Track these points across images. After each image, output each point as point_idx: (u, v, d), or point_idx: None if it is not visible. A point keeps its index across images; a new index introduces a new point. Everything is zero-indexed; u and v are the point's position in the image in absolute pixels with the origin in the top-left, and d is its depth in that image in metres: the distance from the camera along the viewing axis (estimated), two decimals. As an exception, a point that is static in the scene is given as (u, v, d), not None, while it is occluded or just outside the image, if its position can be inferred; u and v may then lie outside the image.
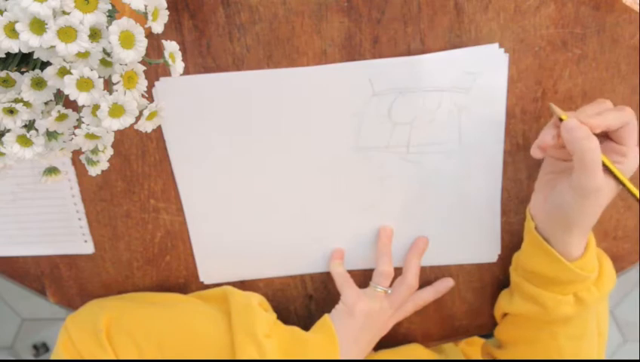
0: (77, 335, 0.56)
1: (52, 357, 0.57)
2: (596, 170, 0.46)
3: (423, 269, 0.60)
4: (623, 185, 0.48)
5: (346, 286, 0.57)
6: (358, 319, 0.56)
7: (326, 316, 0.57)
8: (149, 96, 0.53)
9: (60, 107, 0.38)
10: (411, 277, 0.58)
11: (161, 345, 0.54)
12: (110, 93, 0.37)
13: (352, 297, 0.56)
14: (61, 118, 0.38)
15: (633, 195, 0.48)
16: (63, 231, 0.60)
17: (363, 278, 0.61)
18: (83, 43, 0.34)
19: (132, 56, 0.36)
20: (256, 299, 0.57)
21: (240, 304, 0.56)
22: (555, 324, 0.55)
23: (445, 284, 0.60)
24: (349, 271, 0.60)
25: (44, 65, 0.37)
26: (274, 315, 0.58)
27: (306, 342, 0.54)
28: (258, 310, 0.55)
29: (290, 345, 0.54)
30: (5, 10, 0.34)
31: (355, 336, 0.55)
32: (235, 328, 0.54)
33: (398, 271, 0.59)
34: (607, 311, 0.58)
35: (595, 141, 0.45)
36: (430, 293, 0.60)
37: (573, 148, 0.46)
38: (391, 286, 0.58)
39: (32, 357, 1.34)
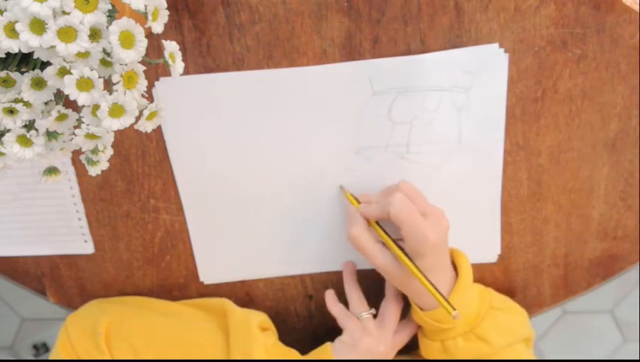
0: (76, 336, 0.56)
1: (51, 357, 0.57)
2: (367, 257, 0.53)
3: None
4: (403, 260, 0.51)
5: (349, 322, 0.57)
6: (361, 353, 0.55)
7: (328, 344, 0.57)
8: (149, 96, 0.53)
9: (60, 107, 0.38)
10: (394, 295, 0.58)
11: (159, 355, 0.55)
12: (110, 93, 0.37)
13: (358, 331, 0.56)
14: (61, 118, 0.38)
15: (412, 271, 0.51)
16: (63, 231, 0.60)
17: (363, 278, 0.61)
18: (83, 43, 0.34)
19: (132, 56, 0.36)
20: (256, 320, 0.57)
21: (238, 325, 0.56)
22: None
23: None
24: (349, 271, 0.60)
25: (44, 65, 0.37)
26: (274, 336, 0.58)
27: None
28: (256, 335, 0.55)
29: None
30: (5, 10, 0.34)
31: None
32: (232, 350, 0.54)
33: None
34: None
35: (355, 232, 0.52)
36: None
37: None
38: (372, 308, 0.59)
39: (32, 357, 1.34)
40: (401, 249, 0.52)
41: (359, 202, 0.55)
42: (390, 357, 0.57)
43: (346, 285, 0.60)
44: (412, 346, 0.60)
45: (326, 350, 0.56)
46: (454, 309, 0.49)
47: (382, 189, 0.56)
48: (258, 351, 0.54)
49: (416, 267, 0.50)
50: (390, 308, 0.57)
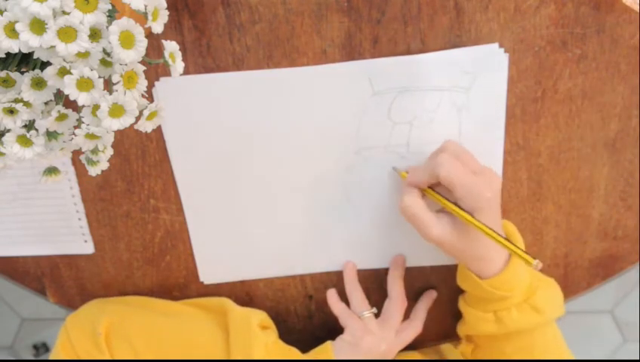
0: (76, 336, 0.56)
1: (51, 357, 0.57)
2: (421, 228, 0.50)
3: (423, 269, 0.60)
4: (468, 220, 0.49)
5: (351, 320, 0.57)
6: (362, 352, 0.55)
7: (328, 343, 0.56)
8: (149, 96, 0.53)
9: (60, 107, 0.38)
10: (397, 295, 0.58)
11: (159, 354, 0.55)
12: (110, 93, 0.37)
13: (360, 330, 0.56)
14: (61, 118, 0.38)
15: (471, 223, 0.49)
16: (63, 231, 0.60)
17: (363, 278, 0.61)
18: (83, 43, 0.34)
19: (132, 56, 0.36)
20: (256, 318, 0.57)
21: (238, 324, 0.56)
22: (496, 339, 0.55)
23: (429, 297, 0.61)
24: (349, 271, 0.60)
25: (44, 65, 0.37)
26: (274, 334, 0.58)
27: None
28: (256, 333, 0.55)
29: None
30: (5, 10, 0.34)
31: None
32: (232, 349, 0.54)
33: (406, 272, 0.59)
34: (555, 341, 0.57)
35: (407, 201, 0.50)
36: (422, 312, 0.60)
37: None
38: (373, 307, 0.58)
39: (32, 357, 1.34)
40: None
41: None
42: (392, 357, 0.57)
43: (346, 285, 0.60)
44: (413, 345, 0.60)
45: (327, 349, 0.56)
46: (535, 259, 0.46)
47: (428, 157, 0.53)
48: (258, 349, 0.54)
49: (484, 224, 0.48)
50: (394, 308, 0.57)
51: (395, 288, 0.58)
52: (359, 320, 0.57)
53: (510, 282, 0.51)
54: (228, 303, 0.59)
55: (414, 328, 0.59)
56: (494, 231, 0.48)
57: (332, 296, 0.60)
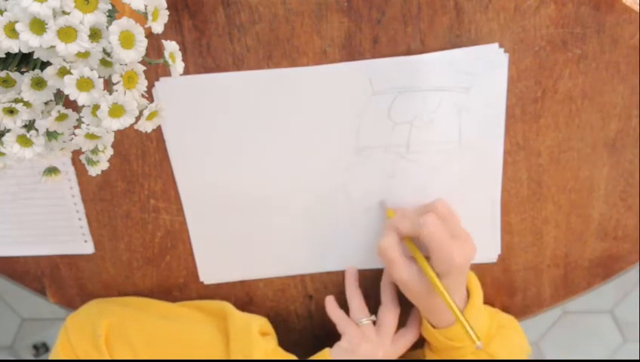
0: (75, 337, 0.56)
1: (50, 357, 0.57)
2: (392, 269, 0.53)
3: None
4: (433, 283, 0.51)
5: (349, 328, 0.57)
6: (360, 358, 0.55)
7: (327, 350, 0.57)
8: (149, 96, 0.53)
9: (59, 107, 0.38)
10: (390, 301, 0.58)
11: (159, 357, 0.55)
12: (110, 93, 0.37)
13: (357, 337, 0.56)
14: (61, 118, 0.38)
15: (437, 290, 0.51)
16: (63, 231, 0.60)
17: (363, 279, 0.61)
18: (83, 43, 0.34)
19: (132, 56, 0.36)
20: (256, 324, 0.57)
21: (239, 329, 0.56)
22: None
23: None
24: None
25: (44, 65, 0.37)
26: (274, 341, 0.58)
27: None
28: (256, 339, 0.55)
29: None
30: (5, 10, 0.34)
31: None
32: (232, 354, 0.54)
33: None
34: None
35: (386, 243, 0.53)
36: (418, 317, 0.60)
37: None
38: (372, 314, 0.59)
39: (32, 357, 1.34)
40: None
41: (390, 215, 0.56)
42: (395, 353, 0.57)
43: (347, 290, 0.60)
44: (412, 348, 0.60)
45: (324, 355, 0.56)
46: (479, 339, 0.49)
47: (418, 206, 0.56)
48: (258, 356, 0.54)
49: (442, 286, 0.51)
50: (387, 315, 0.57)
51: (388, 294, 0.58)
52: (357, 328, 0.57)
53: (464, 332, 0.53)
54: (228, 307, 0.59)
55: (411, 335, 0.59)
56: (451, 300, 0.51)
57: (330, 302, 0.61)
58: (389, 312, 0.58)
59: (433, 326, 0.55)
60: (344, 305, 0.60)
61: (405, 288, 0.54)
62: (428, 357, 0.59)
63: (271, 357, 0.55)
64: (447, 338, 0.54)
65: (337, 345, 0.57)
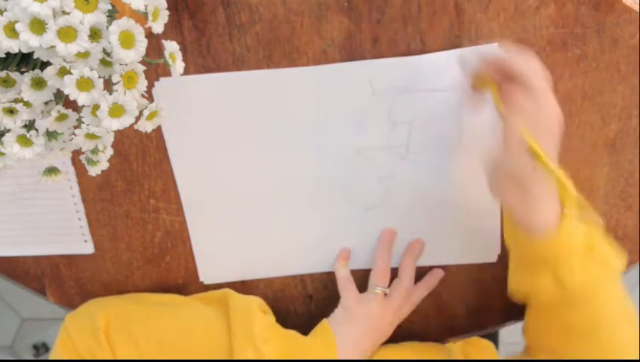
0: (75, 333, 0.56)
1: (51, 356, 0.57)
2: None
3: (422, 269, 0.60)
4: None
5: (347, 290, 0.58)
6: (358, 323, 0.55)
7: (325, 321, 0.57)
8: (149, 96, 0.53)
9: (59, 107, 0.38)
10: (407, 279, 0.58)
11: (160, 345, 0.54)
12: (110, 93, 0.37)
13: (352, 301, 0.56)
14: (61, 118, 0.38)
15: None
16: (63, 231, 0.60)
17: (363, 279, 0.61)
18: (83, 43, 0.34)
19: (132, 56, 0.36)
20: (255, 302, 0.57)
21: (239, 307, 0.56)
22: (556, 310, 0.48)
23: (436, 276, 0.60)
24: (350, 271, 0.60)
25: (44, 65, 0.37)
26: (273, 318, 0.58)
27: (304, 347, 0.54)
28: (257, 313, 0.55)
29: (288, 349, 0.54)
30: (5, 10, 0.34)
31: (354, 341, 0.55)
32: (233, 332, 0.54)
33: (394, 272, 0.59)
34: (623, 297, 0.49)
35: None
36: (424, 289, 0.60)
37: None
38: (388, 286, 0.58)
39: (32, 357, 1.34)
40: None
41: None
42: (391, 324, 0.57)
43: (377, 250, 0.58)
44: (411, 338, 0.60)
45: (324, 326, 0.56)
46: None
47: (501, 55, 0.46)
48: (259, 330, 0.53)
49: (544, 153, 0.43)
50: (400, 291, 0.57)
51: (407, 272, 0.58)
52: (354, 291, 0.57)
53: (570, 232, 0.45)
54: (229, 291, 0.59)
55: (403, 286, 0.58)
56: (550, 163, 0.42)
57: (341, 258, 0.59)
58: (402, 289, 0.57)
59: (534, 230, 0.45)
60: (337, 304, 0.59)
61: (512, 171, 0.45)
62: (520, 284, 0.51)
63: (271, 328, 0.55)
64: (548, 248, 0.45)
65: (334, 312, 0.57)
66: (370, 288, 0.57)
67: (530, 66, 0.44)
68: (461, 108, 0.54)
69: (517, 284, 0.51)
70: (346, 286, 0.58)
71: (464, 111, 0.54)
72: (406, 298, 0.58)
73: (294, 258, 0.61)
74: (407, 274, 0.58)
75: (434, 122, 0.54)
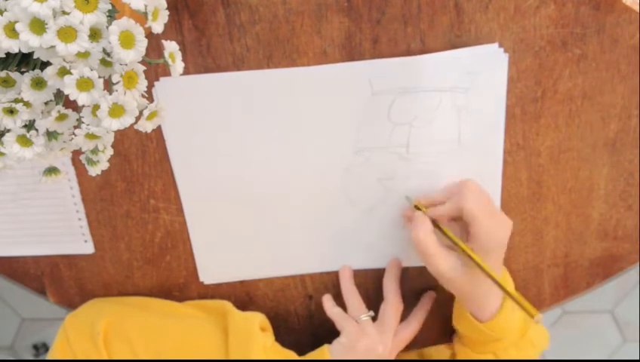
0: (74, 335, 0.56)
1: (49, 356, 0.57)
2: (431, 262, 0.51)
3: (423, 269, 0.60)
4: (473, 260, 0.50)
5: (347, 324, 0.57)
6: (359, 354, 0.55)
7: (325, 347, 0.57)
8: (149, 96, 0.53)
9: (59, 107, 0.38)
10: (393, 297, 0.58)
11: (157, 354, 0.55)
12: (110, 93, 0.37)
13: (355, 333, 0.56)
14: (61, 118, 0.38)
15: (480, 267, 0.49)
16: (63, 231, 0.60)
17: (363, 279, 0.61)
18: (83, 43, 0.34)
19: (132, 56, 0.36)
20: (256, 320, 0.57)
21: (238, 327, 0.56)
22: None
23: (429, 299, 0.61)
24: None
25: (44, 65, 0.37)
26: (272, 337, 0.58)
27: None
28: (256, 333, 0.55)
29: None
30: (5, 10, 0.34)
31: None
32: (231, 352, 0.54)
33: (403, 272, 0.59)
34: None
35: (422, 235, 0.51)
36: (422, 313, 0.60)
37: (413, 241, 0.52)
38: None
39: (32, 357, 1.34)
40: None
41: (418, 208, 0.54)
42: (390, 358, 0.57)
43: (343, 288, 0.60)
44: (411, 346, 0.60)
45: (323, 351, 0.56)
46: (537, 311, 0.47)
47: (442, 189, 0.55)
48: (257, 352, 0.54)
49: (488, 267, 0.49)
50: (390, 310, 0.57)
51: (391, 290, 0.58)
52: (355, 324, 0.57)
53: (508, 322, 0.53)
54: (228, 305, 0.59)
55: (412, 329, 0.59)
56: (498, 278, 0.48)
57: (327, 300, 0.61)
58: (392, 308, 0.57)
59: (478, 321, 0.53)
60: (343, 305, 0.60)
61: (447, 280, 0.52)
62: (458, 351, 0.59)
63: (269, 352, 0.55)
64: (493, 330, 0.53)
65: (336, 341, 0.57)
66: (357, 321, 0.57)
67: (465, 202, 0.50)
68: (461, 108, 0.54)
69: (464, 355, 0.59)
70: (345, 321, 0.58)
71: (464, 112, 0.54)
72: (398, 315, 0.58)
73: (294, 258, 0.61)
74: (392, 293, 0.58)
75: (434, 122, 0.54)
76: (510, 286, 0.56)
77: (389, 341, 0.56)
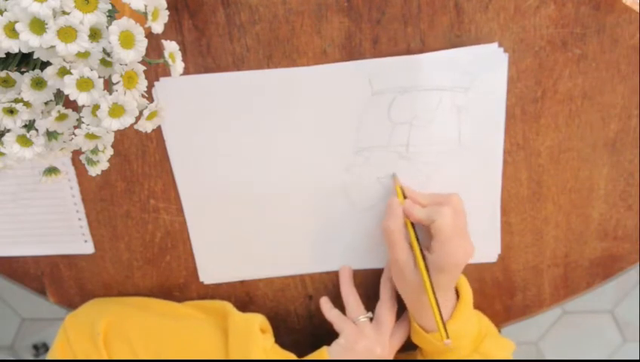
0: (74, 335, 0.56)
1: (49, 356, 0.57)
2: (393, 249, 0.53)
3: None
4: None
5: (345, 326, 0.57)
6: (357, 356, 0.55)
7: (324, 349, 0.57)
8: (149, 96, 0.53)
9: (59, 107, 0.38)
10: (387, 298, 0.58)
11: (157, 355, 0.55)
12: (110, 93, 0.37)
13: (354, 335, 0.56)
14: (61, 118, 0.38)
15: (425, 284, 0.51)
16: (63, 231, 0.60)
17: (363, 278, 0.61)
18: (83, 43, 0.34)
19: (132, 56, 0.36)
20: (256, 322, 0.57)
21: (238, 328, 0.56)
22: None
23: None
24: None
25: (44, 65, 0.37)
26: (272, 339, 0.58)
27: None
28: (257, 335, 0.55)
29: None
30: (5, 10, 0.34)
31: None
32: (231, 353, 0.54)
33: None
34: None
35: (393, 225, 0.52)
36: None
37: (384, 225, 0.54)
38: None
39: (32, 357, 1.34)
40: (424, 258, 0.52)
41: (405, 196, 0.54)
42: (391, 349, 0.57)
43: (342, 289, 0.60)
44: (410, 346, 0.60)
45: (322, 353, 0.56)
46: (448, 337, 0.50)
47: (431, 194, 0.55)
48: (257, 353, 0.54)
49: (431, 283, 0.51)
50: (385, 311, 0.57)
51: (386, 291, 0.58)
52: (353, 325, 0.57)
53: (457, 332, 0.53)
54: (228, 306, 0.59)
55: (406, 329, 0.59)
56: (435, 299, 0.50)
57: (325, 302, 0.61)
58: (387, 308, 0.58)
59: (425, 331, 0.55)
60: (341, 307, 0.60)
61: (400, 275, 0.53)
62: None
63: (269, 354, 0.55)
64: (438, 339, 0.54)
65: (335, 343, 0.57)
66: (356, 322, 0.58)
67: (440, 218, 0.51)
68: (460, 107, 0.54)
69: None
70: (343, 324, 0.58)
71: (464, 111, 0.54)
72: (394, 314, 0.58)
73: (294, 258, 0.61)
74: (385, 292, 0.58)
75: (434, 122, 0.54)
76: (467, 298, 0.56)
77: (386, 341, 0.57)
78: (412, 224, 0.53)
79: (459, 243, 0.51)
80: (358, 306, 0.59)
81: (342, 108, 0.54)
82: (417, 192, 0.55)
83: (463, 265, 0.52)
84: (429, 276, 0.51)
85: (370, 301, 0.59)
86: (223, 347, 0.55)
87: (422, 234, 0.53)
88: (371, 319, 0.58)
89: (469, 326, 0.55)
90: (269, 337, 0.58)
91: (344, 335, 0.57)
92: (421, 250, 0.52)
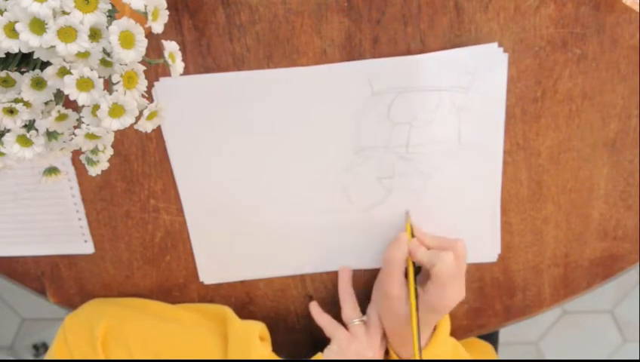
0: (73, 337, 0.56)
1: (47, 356, 0.57)
2: (387, 281, 0.54)
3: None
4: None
5: (337, 331, 0.58)
6: (350, 359, 0.56)
7: (319, 355, 0.57)
8: (149, 96, 0.53)
9: (59, 107, 0.38)
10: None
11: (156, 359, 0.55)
12: (110, 93, 0.37)
13: (345, 340, 0.57)
14: (61, 118, 0.38)
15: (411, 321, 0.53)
16: (63, 231, 0.60)
17: (363, 279, 0.61)
18: (83, 43, 0.34)
19: (132, 56, 0.36)
20: (256, 329, 0.57)
21: (238, 335, 0.56)
22: None
23: None
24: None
25: (44, 65, 0.37)
26: (270, 347, 0.58)
27: None
28: (256, 343, 0.55)
29: None
30: (5, 10, 0.34)
31: None
32: (230, 357, 0.55)
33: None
34: None
35: (397, 256, 0.54)
36: None
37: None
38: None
39: (32, 357, 1.34)
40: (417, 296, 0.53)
41: (413, 235, 0.56)
42: (381, 354, 0.58)
43: (340, 290, 0.60)
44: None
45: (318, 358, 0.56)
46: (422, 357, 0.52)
47: (438, 237, 0.56)
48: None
49: (417, 321, 0.52)
50: (375, 314, 0.58)
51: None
52: (344, 330, 0.58)
53: (434, 356, 0.55)
54: (228, 311, 0.59)
55: (372, 305, 0.58)
56: (418, 335, 0.52)
57: (315, 307, 0.61)
58: (376, 311, 0.58)
59: (398, 356, 0.56)
60: (339, 308, 0.59)
61: (388, 305, 0.55)
62: None
63: None
64: None
65: (327, 349, 0.57)
66: (349, 325, 0.58)
67: (441, 264, 0.52)
68: (460, 107, 0.54)
69: None
70: (335, 329, 0.58)
71: (464, 111, 0.54)
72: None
73: (294, 258, 0.61)
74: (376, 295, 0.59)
75: (433, 122, 0.54)
76: (445, 327, 0.57)
77: (377, 344, 0.57)
78: (413, 263, 0.54)
79: (453, 288, 0.52)
80: (354, 309, 0.59)
81: (342, 108, 0.54)
82: (425, 234, 0.57)
83: (452, 307, 0.54)
84: (417, 314, 0.52)
85: (368, 301, 0.59)
86: (222, 354, 0.56)
87: (420, 270, 0.55)
88: (364, 321, 0.58)
89: (444, 354, 0.56)
90: (267, 346, 0.58)
91: (336, 341, 0.57)
92: (416, 288, 0.53)
